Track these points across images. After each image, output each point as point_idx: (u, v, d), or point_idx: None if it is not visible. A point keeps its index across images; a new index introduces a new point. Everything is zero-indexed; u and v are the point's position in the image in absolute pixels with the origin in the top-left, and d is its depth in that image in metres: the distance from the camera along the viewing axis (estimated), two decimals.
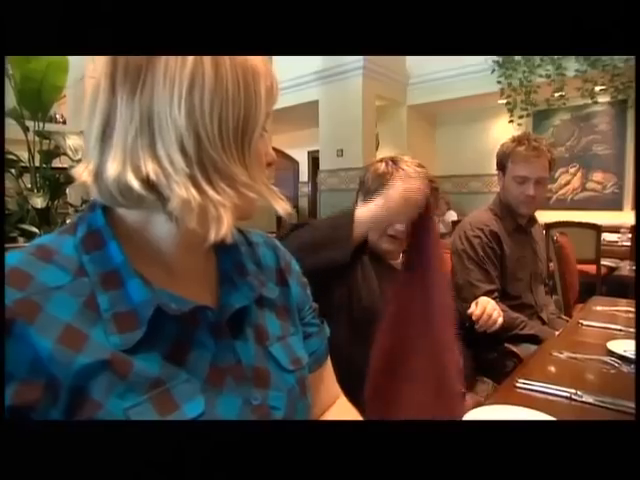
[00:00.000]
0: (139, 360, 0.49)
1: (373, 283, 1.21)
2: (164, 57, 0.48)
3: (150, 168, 0.48)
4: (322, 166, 6.68)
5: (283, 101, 6.34)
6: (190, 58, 0.48)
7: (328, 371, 0.77)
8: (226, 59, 0.50)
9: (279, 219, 5.39)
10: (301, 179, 9.18)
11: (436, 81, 6.55)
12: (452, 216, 6.59)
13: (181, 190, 0.47)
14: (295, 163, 9.02)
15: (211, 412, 0.51)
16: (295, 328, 0.68)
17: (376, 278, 1.23)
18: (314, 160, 8.60)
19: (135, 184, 0.48)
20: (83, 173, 0.51)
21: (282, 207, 0.54)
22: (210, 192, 0.49)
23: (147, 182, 0.48)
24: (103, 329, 0.48)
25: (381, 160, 1.31)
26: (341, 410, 0.77)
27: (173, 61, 0.48)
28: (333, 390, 0.78)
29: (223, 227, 0.49)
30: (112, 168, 0.48)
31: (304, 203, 9.23)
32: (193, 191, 0.48)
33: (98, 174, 0.50)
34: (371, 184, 1.27)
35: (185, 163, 0.48)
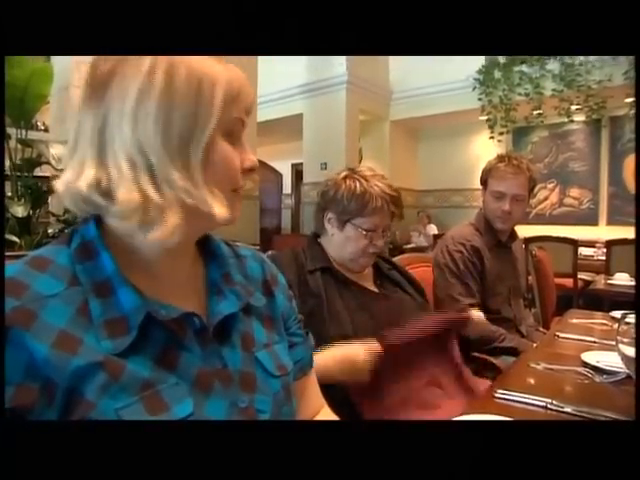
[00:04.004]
0: (130, 363, 0.51)
1: (342, 313, 1.20)
2: (123, 71, 0.52)
3: (98, 175, 0.52)
4: (306, 179, 6.72)
5: (268, 114, 6.37)
6: (144, 70, 0.51)
7: (312, 381, 0.79)
8: (182, 67, 0.52)
9: (262, 233, 5.39)
10: (284, 191, 9.20)
11: (418, 97, 6.66)
12: (433, 230, 6.67)
13: (124, 193, 0.51)
14: (279, 175, 9.04)
15: (199, 413, 0.53)
16: (280, 337, 0.71)
17: (345, 302, 1.23)
18: (298, 173, 8.63)
19: (84, 190, 0.52)
20: (58, 183, 0.55)
21: (220, 212, 0.55)
22: (152, 195, 0.52)
23: (96, 188, 0.52)
24: (95, 335, 0.50)
25: (347, 176, 1.28)
26: (325, 419, 0.79)
27: (130, 73, 0.51)
28: (317, 400, 0.80)
29: (166, 228, 0.52)
30: (68, 176, 0.53)
31: (287, 215, 9.25)
32: (135, 194, 0.51)
33: (66, 183, 0.54)
34: (349, 204, 1.24)
35: (130, 169, 0.51)
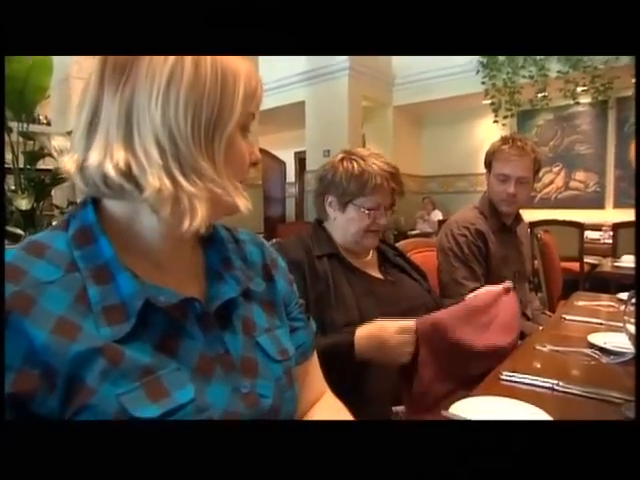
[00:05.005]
0: (130, 350, 0.51)
1: (348, 297, 1.20)
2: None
3: (127, 159, 0.51)
4: (309, 167, 6.70)
5: (269, 102, 6.34)
6: (171, 56, 0.51)
7: (314, 365, 0.79)
8: (207, 58, 0.52)
9: (266, 221, 5.39)
10: (288, 180, 9.18)
11: (421, 82, 6.60)
12: (437, 215, 6.64)
13: (154, 180, 0.50)
14: (282, 164, 9.02)
15: (201, 399, 0.53)
16: (281, 322, 0.70)
17: (352, 288, 1.23)
18: (301, 161, 8.60)
19: (112, 173, 0.50)
20: (68, 162, 0.54)
21: (243, 204, 0.57)
22: (183, 183, 0.51)
23: (124, 172, 0.51)
24: (94, 321, 0.50)
25: (343, 158, 1.28)
26: (328, 405, 0.78)
27: (156, 58, 0.51)
28: (319, 384, 0.80)
29: (197, 218, 0.52)
30: (93, 158, 0.51)
31: (291, 204, 9.23)
32: (166, 181, 0.51)
33: (81, 164, 0.52)
34: (348, 185, 1.24)
35: (159, 155, 0.51)
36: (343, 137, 6.14)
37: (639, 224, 1.10)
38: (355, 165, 1.25)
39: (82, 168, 0.52)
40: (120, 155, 0.50)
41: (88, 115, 0.53)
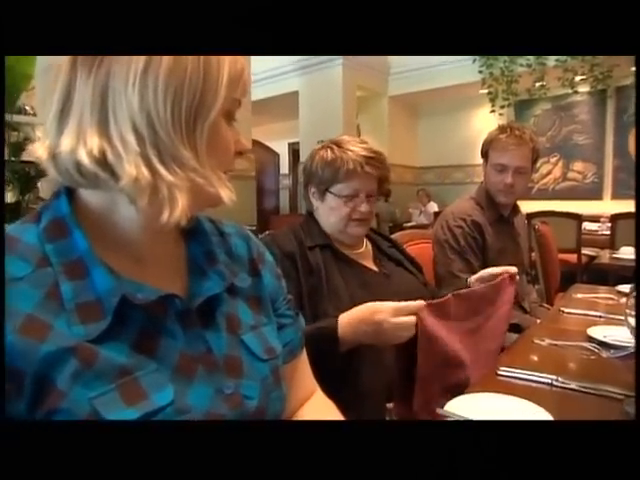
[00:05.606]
0: (105, 349, 0.49)
1: (341, 290, 1.18)
2: None
3: (101, 145, 0.48)
4: (303, 158, 6.65)
5: (262, 92, 6.29)
6: None
7: (303, 363, 0.77)
8: None
9: (259, 214, 5.37)
10: (281, 171, 9.15)
11: (417, 71, 6.58)
12: (433, 208, 6.65)
13: (131, 168, 0.48)
14: (275, 155, 8.97)
15: (181, 401, 0.51)
16: (268, 319, 0.68)
17: (345, 280, 1.21)
18: (294, 152, 8.57)
19: (86, 160, 0.48)
20: (39, 149, 0.51)
21: (226, 195, 0.54)
22: (162, 172, 0.49)
23: (98, 159, 0.48)
24: (66, 320, 0.48)
25: (323, 146, 1.28)
26: (318, 404, 0.77)
27: None
28: (309, 383, 0.78)
29: (177, 209, 0.49)
30: (65, 144, 0.49)
31: (285, 196, 9.20)
32: (144, 170, 0.48)
33: (54, 150, 0.50)
34: (323, 173, 1.24)
35: (137, 142, 0.48)
36: (337, 128, 6.11)
37: (639, 216, 1.08)
38: (329, 152, 1.24)
39: (54, 155, 0.50)
40: (94, 141, 0.48)
41: (60, 98, 0.50)
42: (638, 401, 0.66)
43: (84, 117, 0.49)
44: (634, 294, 0.89)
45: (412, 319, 0.96)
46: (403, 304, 0.97)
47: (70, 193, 0.54)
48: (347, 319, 1.02)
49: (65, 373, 0.46)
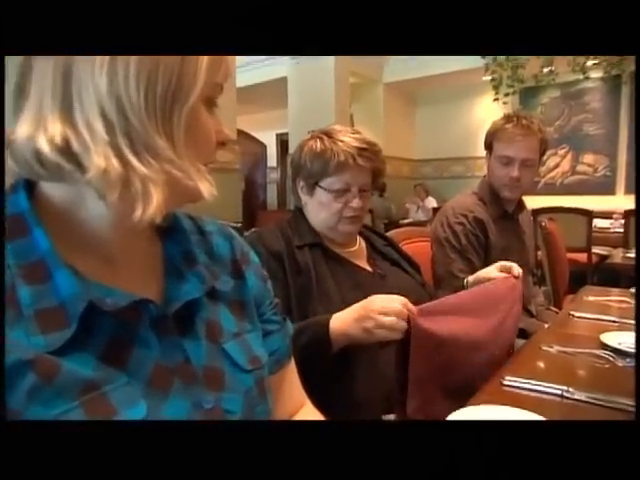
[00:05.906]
0: (69, 362, 0.47)
1: (332, 292, 1.18)
2: None
3: (65, 133, 0.47)
4: (292, 150, 6.64)
5: (248, 78, 6.27)
6: None
7: (291, 373, 0.76)
8: None
9: (245, 210, 5.35)
10: (269, 164, 9.14)
11: (415, 56, 6.58)
12: (432, 203, 6.67)
13: (99, 159, 0.46)
14: (262, 147, 8.96)
15: (155, 417, 0.50)
16: (253, 325, 0.67)
17: (336, 281, 1.21)
18: (283, 143, 8.56)
19: (46, 149, 0.46)
20: None
21: (206, 189, 0.53)
22: (135, 163, 0.47)
23: (61, 148, 0.46)
24: (24, 329, 0.46)
25: (312, 137, 1.28)
26: (307, 417, 0.76)
27: None
28: (297, 395, 0.77)
29: (151, 204, 0.48)
30: (23, 130, 0.47)
31: (273, 190, 9.19)
32: (114, 161, 0.46)
33: (9, 136, 0.48)
34: (312, 166, 1.24)
35: (106, 130, 0.47)
36: (329, 117, 6.11)
37: (639, 216, 1.10)
38: (319, 143, 1.24)
39: (10, 142, 0.48)
40: (56, 128, 0.46)
41: (16, 80, 0.49)
42: (638, 401, 0.66)
43: (44, 102, 0.47)
44: None
45: (399, 321, 0.97)
46: (392, 306, 0.98)
47: (30, 186, 0.52)
48: (338, 313, 1.05)
49: (21, 390, 0.44)
